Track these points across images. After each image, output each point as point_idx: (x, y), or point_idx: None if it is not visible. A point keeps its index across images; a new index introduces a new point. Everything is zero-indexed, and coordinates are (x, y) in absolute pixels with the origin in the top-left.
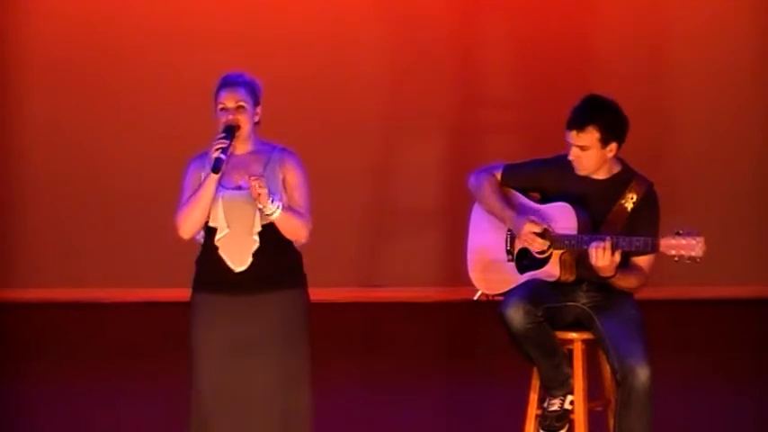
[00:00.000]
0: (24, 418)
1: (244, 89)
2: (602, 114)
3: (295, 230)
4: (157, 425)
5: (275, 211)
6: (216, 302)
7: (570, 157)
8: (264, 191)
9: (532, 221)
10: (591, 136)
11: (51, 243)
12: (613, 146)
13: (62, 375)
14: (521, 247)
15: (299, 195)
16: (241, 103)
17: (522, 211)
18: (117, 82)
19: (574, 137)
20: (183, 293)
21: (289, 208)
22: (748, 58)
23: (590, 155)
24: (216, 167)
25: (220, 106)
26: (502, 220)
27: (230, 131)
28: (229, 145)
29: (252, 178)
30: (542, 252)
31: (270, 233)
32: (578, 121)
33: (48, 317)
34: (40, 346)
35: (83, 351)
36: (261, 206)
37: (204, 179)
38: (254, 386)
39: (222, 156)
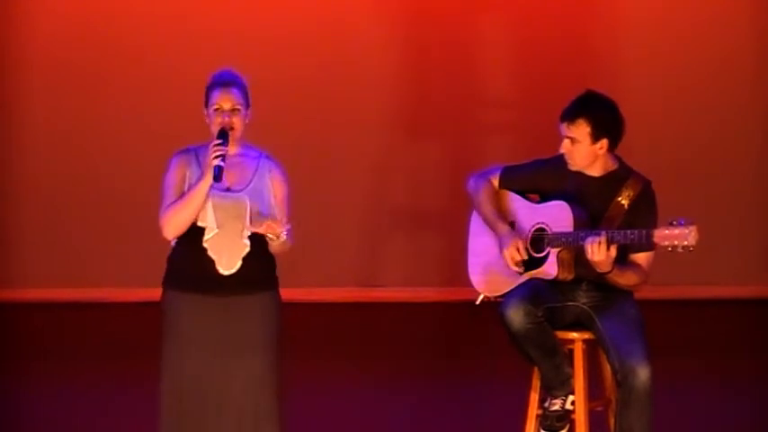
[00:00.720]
0: (24, 418)
1: (239, 91)
2: (594, 109)
3: (284, 250)
4: (157, 425)
5: (284, 239)
6: (200, 302)
7: (561, 149)
8: (282, 236)
9: (517, 249)
10: (581, 129)
11: (51, 243)
12: (604, 142)
13: (62, 375)
14: None
15: (284, 208)
16: (237, 107)
17: (518, 216)
18: (117, 82)
19: (565, 128)
20: None
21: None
22: (748, 58)
23: (580, 148)
24: (217, 176)
25: (215, 107)
26: (493, 231)
27: (226, 136)
28: (226, 150)
29: (266, 225)
30: (539, 252)
31: (257, 236)
32: (571, 112)
33: (48, 317)
34: (40, 346)
35: (83, 351)
36: (275, 237)
37: (196, 182)
38: (232, 387)
39: (222, 163)
